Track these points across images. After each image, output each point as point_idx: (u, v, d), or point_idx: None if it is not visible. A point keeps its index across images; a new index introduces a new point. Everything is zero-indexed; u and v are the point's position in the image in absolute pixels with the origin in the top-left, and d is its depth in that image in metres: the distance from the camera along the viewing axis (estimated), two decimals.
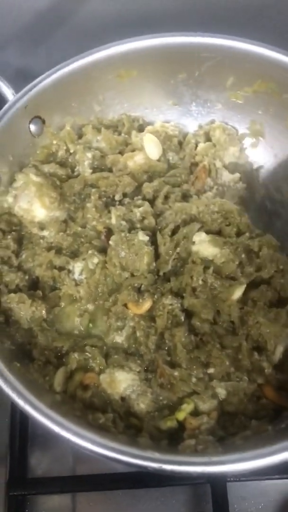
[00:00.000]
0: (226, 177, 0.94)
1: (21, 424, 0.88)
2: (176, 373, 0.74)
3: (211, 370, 0.75)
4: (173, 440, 0.71)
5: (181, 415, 0.72)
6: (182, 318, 0.79)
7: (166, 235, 0.83)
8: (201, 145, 0.94)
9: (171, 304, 0.78)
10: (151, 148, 0.91)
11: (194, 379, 0.75)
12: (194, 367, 0.75)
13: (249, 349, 0.75)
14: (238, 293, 0.78)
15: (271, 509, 0.85)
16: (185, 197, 0.90)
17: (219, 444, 0.68)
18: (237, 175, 0.94)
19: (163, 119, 0.98)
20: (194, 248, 0.82)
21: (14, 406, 0.88)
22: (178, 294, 0.80)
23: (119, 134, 0.95)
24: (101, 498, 0.86)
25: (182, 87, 0.95)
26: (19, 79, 0.90)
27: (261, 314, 0.75)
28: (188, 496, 0.86)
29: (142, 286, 0.81)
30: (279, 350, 0.76)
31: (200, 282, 0.79)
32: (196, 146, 0.95)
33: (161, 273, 0.82)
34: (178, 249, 0.82)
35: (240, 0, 0.96)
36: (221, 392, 0.74)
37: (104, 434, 0.65)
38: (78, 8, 0.97)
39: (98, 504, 0.86)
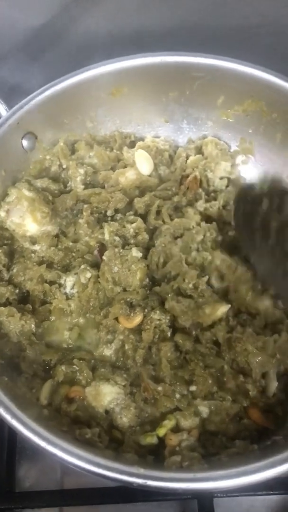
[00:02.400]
0: (218, 182, 0.95)
1: (9, 438, 0.88)
2: (159, 388, 0.75)
3: (193, 388, 0.75)
4: (159, 455, 0.71)
5: (161, 431, 0.73)
6: (169, 333, 0.79)
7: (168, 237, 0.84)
8: (192, 158, 0.96)
9: (159, 319, 0.79)
10: (142, 163, 0.92)
11: (177, 395, 0.75)
12: (178, 383, 0.76)
13: (234, 372, 0.76)
14: (223, 309, 0.78)
15: None
16: (177, 208, 0.92)
17: (204, 461, 0.68)
18: (225, 180, 0.96)
19: (154, 135, 1.00)
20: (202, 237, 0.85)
21: (1, 420, 0.88)
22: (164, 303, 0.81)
23: (111, 150, 0.96)
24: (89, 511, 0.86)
25: (174, 105, 0.97)
26: (13, 96, 0.91)
27: (250, 342, 0.76)
28: (175, 511, 0.86)
29: (134, 300, 0.81)
30: (274, 385, 0.76)
31: (191, 286, 0.80)
32: (187, 159, 0.96)
33: (157, 275, 0.83)
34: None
35: (231, 21, 0.98)
36: (204, 410, 0.75)
37: (90, 449, 0.65)
38: (72, 27, 0.99)
39: None
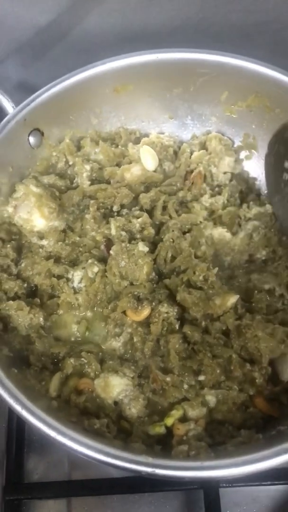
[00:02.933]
0: (222, 177, 0.96)
1: (17, 430, 0.90)
2: (168, 379, 0.76)
3: (202, 378, 0.77)
4: (166, 445, 0.73)
5: (169, 421, 0.74)
6: (177, 326, 0.81)
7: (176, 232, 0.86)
8: (196, 153, 0.97)
9: (166, 312, 0.81)
10: (147, 159, 0.93)
11: (185, 386, 0.77)
12: (186, 374, 0.77)
13: (241, 361, 0.77)
14: (232, 300, 0.80)
15: None
16: (182, 203, 0.93)
17: (211, 450, 0.70)
18: (229, 174, 0.97)
19: (159, 131, 1.01)
20: (210, 232, 0.87)
21: (11, 412, 0.89)
22: (173, 295, 0.83)
23: (116, 146, 0.97)
24: (96, 503, 0.88)
25: (178, 101, 0.98)
26: (19, 93, 0.92)
27: (260, 328, 0.77)
28: (181, 502, 0.87)
29: (141, 294, 0.83)
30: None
31: (201, 278, 0.81)
32: (191, 154, 0.97)
33: (165, 270, 0.85)
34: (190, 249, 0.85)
35: (235, 17, 0.98)
36: (211, 399, 0.76)
37: (99, 439, 0.67)
38: (77, 25, 0.99)
39: (93, 509, 0.88)
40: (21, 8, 0.96)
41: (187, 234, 0.87)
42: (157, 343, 0.81)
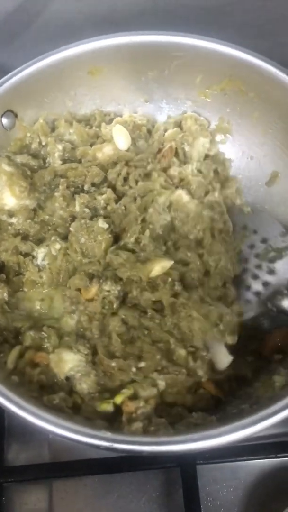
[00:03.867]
0: (195, 156, 0.96)
1: None
2: (113, 364, 0.75)
3: (142, 364, 0.76)
4: (113, 423, 0.73)
5: (119, 399, 0.74)
6: (115, 305, 0.80)
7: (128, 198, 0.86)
8: (170, 131, 0.96)
9: (108, 291, 0.80)
10: (120, 139, 0.93)
11: (133, 369, 0.76)
12: (131, 357, 0.76)
13: (184, 356, 0.77)
14: (165, 264, 0.78)
15: (242, 491, 0.87)
16: (148, 175, 0.92)
17: (171, 427, 0.70)
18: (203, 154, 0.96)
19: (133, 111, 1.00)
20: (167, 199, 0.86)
21: None
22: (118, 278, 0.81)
23: (91, 127, 0.97)
24: (77, 484, 0.88)
25: (153, 84, 0.98)
26: None
27: (195, 308, 0.77)
28: (161, 481, 0.88)
29: (95, 272, 0.82)
30: (225, 359, 0.79)
31: (132, 240, 0.81)
32: (165, 133, 0.97)
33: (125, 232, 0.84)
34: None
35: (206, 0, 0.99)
36: (161, 383, 0.76)
37: (59, 415, 0.67)
38: (44, 9, 1.00)
39: (74, 491, 0.88)
40: None
41: (138, 198, 0.86)
42: (103, 323, 0.80)
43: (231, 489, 0.88)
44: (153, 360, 0.76)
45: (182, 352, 0.77)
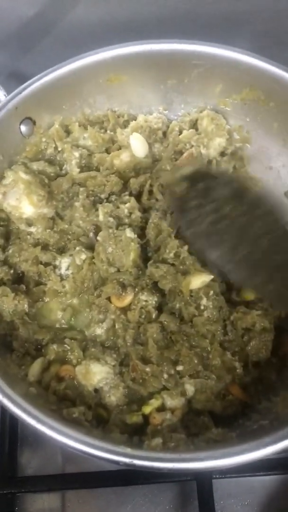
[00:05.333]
0: (212, 156, 0.95)
1: (10, 423, 0.89)
2: (147, 369, 0.76)
3: (180, 368, 0.77)
4: (143, 435, 0.72)
5: (147, 409, 0.74)
6: (154, 315, 0.80)
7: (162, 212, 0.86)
8: (185, 133, 0.95)
9: (145, 300, 0.80)
10: (137, 146, 0.93)
11: (165, 375, 0.76)
12: (165, 363, 0.77)
13: (221, 350, 0.78)
14: (204, 278, 0.79)
15: (257, 506, 0.87)
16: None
17: (191, 442, 0.70)
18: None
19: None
20: None
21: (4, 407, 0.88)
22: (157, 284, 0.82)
23: (105, 131, 0.96)
24: (90, 495, 0.88)
25: (172, 92, 0.97)
26: (12, 82, 0.92)
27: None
28: (175, 493, 0.88)
29: (126, 281, 0.82)
30: None
31: (172, 255, 0.81)
32: (180, 133, 0.96)
33: (161, 248, 0.84)
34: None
35: (222, 6, 0.98)
36: (190, 389, 0.76)
37: (78, 429, 0.66)
38: (64, 16, 0.99)
39: (87, 501, 0.87)
40: (7, 1, 0.95)
41: (168, 215, 0.86)
42: (138, 331, 0.80)
43: (246, 503, 0.88)
44: (191, 364, 0.76)
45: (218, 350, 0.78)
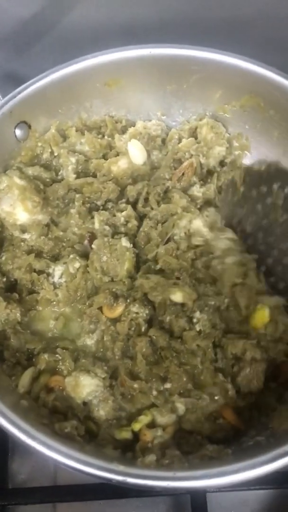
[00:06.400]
0: (212, 165, 0.94)
1: (0, 435, 0.87)
2: (135, 385, 0.74)
3: (167, 385, 0.74)
4: (135, 452, 0.70)
5: (137, 426, 0.72)
6: (143, 328, 0.78)
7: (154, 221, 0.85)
8: (184, 141, 0.94)
9: (136, 312, 0.78)
10: (135, 153, 0.91)
11: (154, 392, 0.74)
12: (153, 379, 0.75)
13: (213, 370, 0.75)
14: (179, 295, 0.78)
15: None
16: (166, 193, 0.90)
17: (185, 459, 0.68)
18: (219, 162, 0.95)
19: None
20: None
21: None
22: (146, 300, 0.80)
23: (102, 136, 0.95)
24: (82, 508, 0.86)
25: (171, 98, 0.95)
26: (6, 84, 0.90)
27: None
28: (169, 506, 0.86)
29: (119, 291, 0.81)
30: None
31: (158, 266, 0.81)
32: (179, 141, 0.95)
33: (149, 256, 0.83)
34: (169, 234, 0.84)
35: (224, 12, 0.96)
36: (180, 407, 0.74)
37: (70, 444, 0.64)
38: (62, 18, 0.97)
39: None
40: (3, 1, 0.93)
41: (159, 225, 0.85)
42: (127, 344, 0.78)
43: None
44: (180, 382, 0.74)
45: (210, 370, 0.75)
